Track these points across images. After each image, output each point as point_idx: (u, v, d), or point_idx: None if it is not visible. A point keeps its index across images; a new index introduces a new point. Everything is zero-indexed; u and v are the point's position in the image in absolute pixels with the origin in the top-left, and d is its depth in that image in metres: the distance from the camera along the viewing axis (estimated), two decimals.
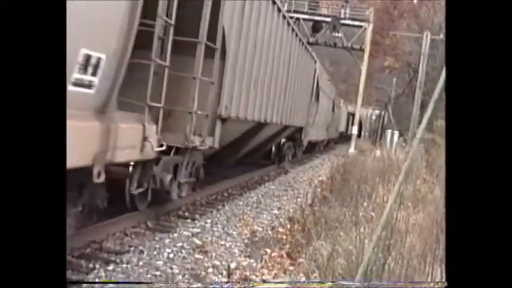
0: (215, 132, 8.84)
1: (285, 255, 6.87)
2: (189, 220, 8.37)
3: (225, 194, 11.36)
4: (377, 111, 57.66)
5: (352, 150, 30.56)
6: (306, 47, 18.16)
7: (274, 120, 13.70)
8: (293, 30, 14.89)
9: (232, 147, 11.69)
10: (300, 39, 16.65)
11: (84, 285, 5.11)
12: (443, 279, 4.04)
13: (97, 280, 5.29)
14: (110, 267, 5.64)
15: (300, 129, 20.19)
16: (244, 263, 6.45)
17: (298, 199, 11.79)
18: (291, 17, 28.50)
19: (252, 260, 6.60)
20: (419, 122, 25.37)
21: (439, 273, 5.09)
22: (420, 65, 22.27)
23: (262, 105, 12.00)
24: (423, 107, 28.45)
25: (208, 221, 8.52)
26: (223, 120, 9.17)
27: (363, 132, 54.00)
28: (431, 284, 4.60)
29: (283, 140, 19.35)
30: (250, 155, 15.55)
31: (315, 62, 21.01)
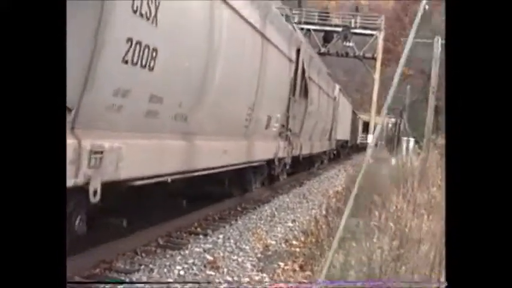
0: None
1: (297, 268, 6.79)
2: (201, 236, 8.32)
3: (238, 209, 11.28)
4: (393, 119, 57.37)
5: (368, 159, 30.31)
6: None
7: None
8: None
9: None
10: None
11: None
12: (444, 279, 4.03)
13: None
14: (120, 287, 5.60)
15: None
16: (256, 278, 6.38)
17: (313, 211, 11.69)
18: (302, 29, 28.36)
19: (265, 275, 6.53)
20: (436, 128, 25.18)
21: None
22: (432, 70, 22.14)
23: None
24: (438, 112, 28.28)
25: (221, 236, 8.46)
26: None
27: (378, 141, 53.36)
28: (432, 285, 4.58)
29: None
30: None
31: None
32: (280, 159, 13.05)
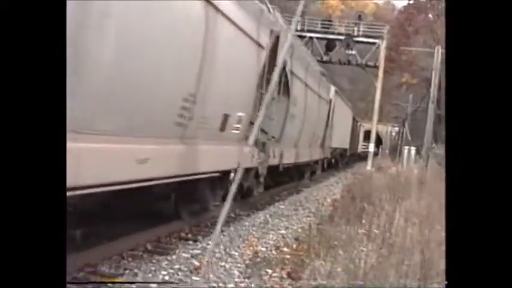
0: None
1: (285, 276, 6.72)
2: (190, 242, 8.25)
3: (232, 215, 11.19)
4: (397, 128, 57.42)
5: (369, 167, 30.26)
6: None
7: None
8: None
9: None
10: None
11: None
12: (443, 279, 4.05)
13: None
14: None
15: None
16: (242, 285, 6.31)
17: (308, 218, 11.62)
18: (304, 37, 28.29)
19: (251, 281, 6.46)
20: (434, 137, 25.10)
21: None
22: (432, 80, 22.04)
23: None
24: (440, 121, 28.24)
25: (211, 242, 8.37)
26: None
27: (381, 150, 53.29)
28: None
29: None
30: None
31: None
32: (248, 170, 10.15)
